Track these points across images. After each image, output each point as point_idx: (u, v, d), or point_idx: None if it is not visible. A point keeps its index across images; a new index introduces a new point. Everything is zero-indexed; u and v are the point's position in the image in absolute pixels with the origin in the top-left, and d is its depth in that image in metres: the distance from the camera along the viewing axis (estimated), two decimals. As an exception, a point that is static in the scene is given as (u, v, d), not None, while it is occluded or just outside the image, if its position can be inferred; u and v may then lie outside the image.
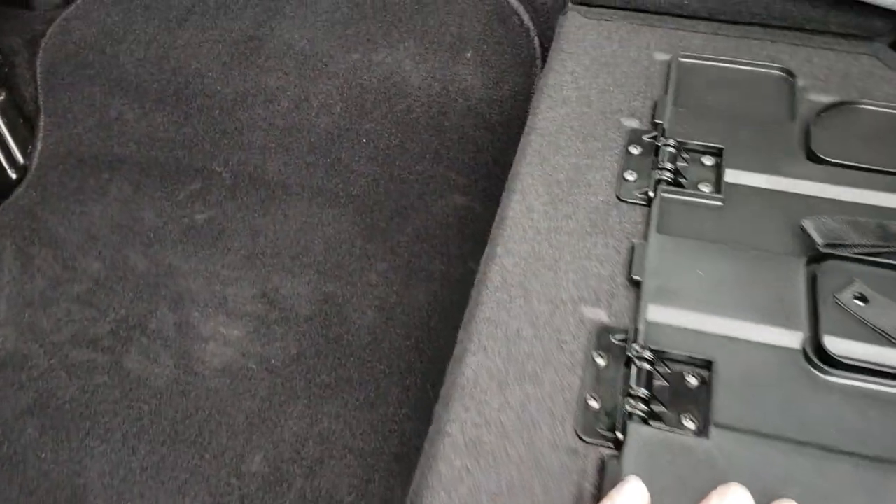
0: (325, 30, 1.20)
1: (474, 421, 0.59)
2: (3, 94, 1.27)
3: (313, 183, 1.18)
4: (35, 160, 1.27)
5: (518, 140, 1.14)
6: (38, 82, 1.27)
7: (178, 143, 1.23)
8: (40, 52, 1.27)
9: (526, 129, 0.83)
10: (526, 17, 1.13)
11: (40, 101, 1.28)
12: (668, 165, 0.76)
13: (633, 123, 0.82)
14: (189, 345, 1.02)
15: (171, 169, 1.22)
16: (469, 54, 1.15)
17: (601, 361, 0.62)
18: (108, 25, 1.27)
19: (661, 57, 0.90)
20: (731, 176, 0.75)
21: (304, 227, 1.15)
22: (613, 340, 0.63)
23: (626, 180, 0.76)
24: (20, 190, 1.25)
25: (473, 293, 0.69)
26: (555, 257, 0.69)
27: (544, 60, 1.13)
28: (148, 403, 0.96)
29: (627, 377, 0.60)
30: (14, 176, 1.27)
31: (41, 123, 1.28)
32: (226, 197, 1.19)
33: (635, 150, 0.79)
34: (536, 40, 1.12)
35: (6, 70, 1.27)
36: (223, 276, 1.09)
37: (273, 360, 1.00)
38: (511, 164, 1.13)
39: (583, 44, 0.92)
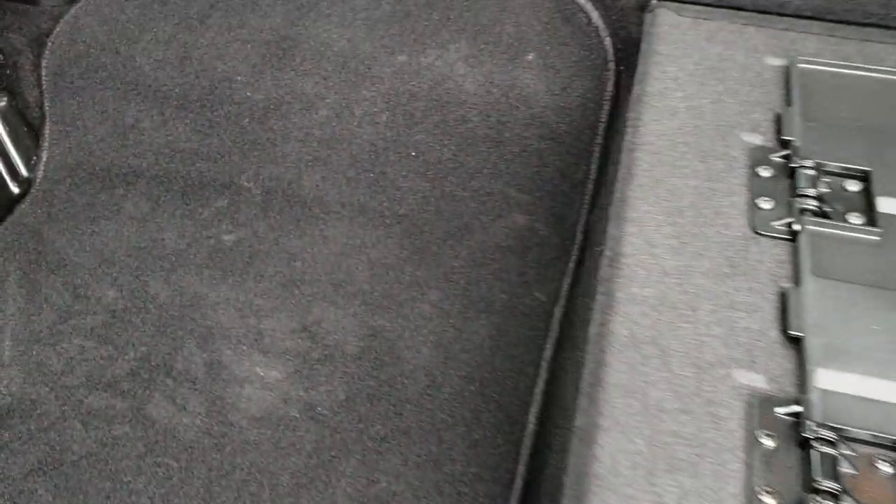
0: (365, 28, 1.08)
1: (621, 524, 0.47)
2: (5, 98, 1.14)
3: (355, 200, 1.06)
4: (40, 172, 1.14)
5: (589, 153, 1.02)
6: (44, 86, 1.14)
7: (202, 154, 1.10)
8: (46, 52, 1.14)
9: (627, 144, 0.71)
10: (595, 15, 1.01)
11: (46, 107, 1.15)
12: (810, 192, 0.64)
13: (755, 139, 0.70)
14: (222, 388, 0.89)
15: (195, 184, 1.09)
16: (530, 57, 1.03)
17: (769, 443, 0.50)
18: (121, 23, 1.14)
19: (775, 62, 0.78)
20: (885, 205, 0.63)
21: (346, 251, 1.02)
22: (780, 415, 0.51)
23: (761, 209, 0.64)
24: (24, 206, 1.12)
25: (592, 349, 0.56)
26: (691, 305, 0.57)
27: (618, 63, 1.01)
28: (177, 459, 0.83)
29: (806, 464, 0.48)
30: (17, 190, 1.14)
31: (47, 131, 1.15)
32: (256, 216, 1.06)
33: (765, 172, 0.67)
34: (608, 41, 1.00)
35: (8, 72, 1.14)
36: (257, 306, 0.97)
37: (319, 408, 0.87)
38: (585, 181, 1.01)
39: (681, 45, 0.80)
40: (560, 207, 1.01)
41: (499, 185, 1.03)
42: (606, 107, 0.99)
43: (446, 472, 0.82)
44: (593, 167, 0.99)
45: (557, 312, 0.95)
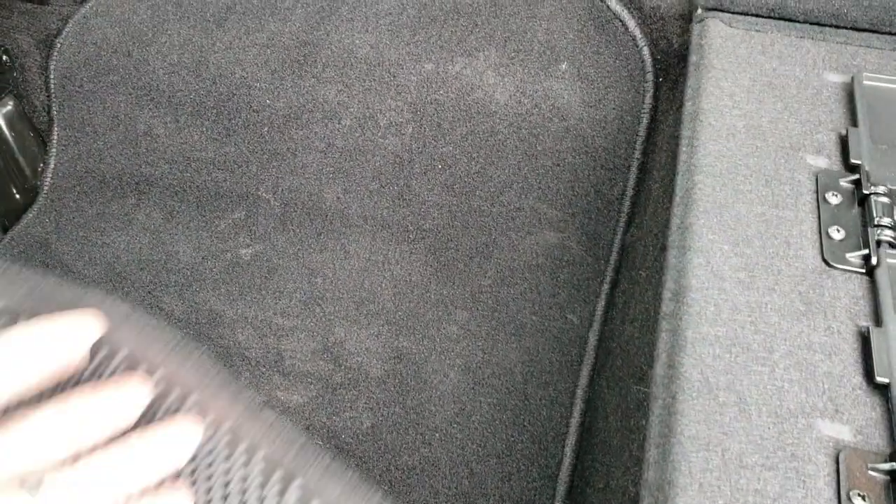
0: (390, 34, 1.03)
1: None
2: (11, 102, 1.09)
3: (378, 214, 1.01)
4: (47, 180, 1.09)
5: (626, 168, 0.97)
6: (52, 89, 1.09)
7: (218, 164, 1.05)
8: (55, 54, 1.09)
9: (683, 165, 0.67)
10: (631, 24, 0.97)
11: (54, 112, 1.10)
12: (887, 221, 0.59)
13: (820, 163, 0.66)
14: (240, 414, 0.84)
15: (210, 194, 1.04)
16: (563, 66, 0.98)
17: (863, 505, 0.45)
18: (134, 24, 1.09)
19: (835, 78, 0.74)
20: (966, 235, 0.59)
21: (368, 267, 0.98)
22: (875, 474, 0.46)
23: (832, 238, 0.60)
24: (30, 216, 1.07)
25: (660, 393, 0.52)
26: (766, 347, 0.53)
27: (656, 75, 0.96)
28: (193, 491, 0.78)
29: (907, 530, 0.43)
30: (22, 199, 1.09)
31: (55, 137, 1.10)
32: (275, 229, 1.01)
33: (833, 199, 0.63)
34: (646, 50, 0.95)
35: (15, 74, 1.09)
36: (277, 325, 0.92)
37: (343, 436, 0.83)
38: (622, 198, 0.96)
39: (734, 59, 0.76)
40: (594, 225, 0.96)
41: (529, 200, 0.98)
42: (645, 120, 0.94)
43: (479, 507, 0.77)
44: (630, 183, 0.95)
45: (592, 337, 0.90)
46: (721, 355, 0.52)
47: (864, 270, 0.57)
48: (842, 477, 0.46)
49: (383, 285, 0.96)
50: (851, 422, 0.49)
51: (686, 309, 0.55)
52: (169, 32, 1.08)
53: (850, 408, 0.50)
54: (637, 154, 0.94)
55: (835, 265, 0.58)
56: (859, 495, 0.46)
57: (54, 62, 1.09)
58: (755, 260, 0.58)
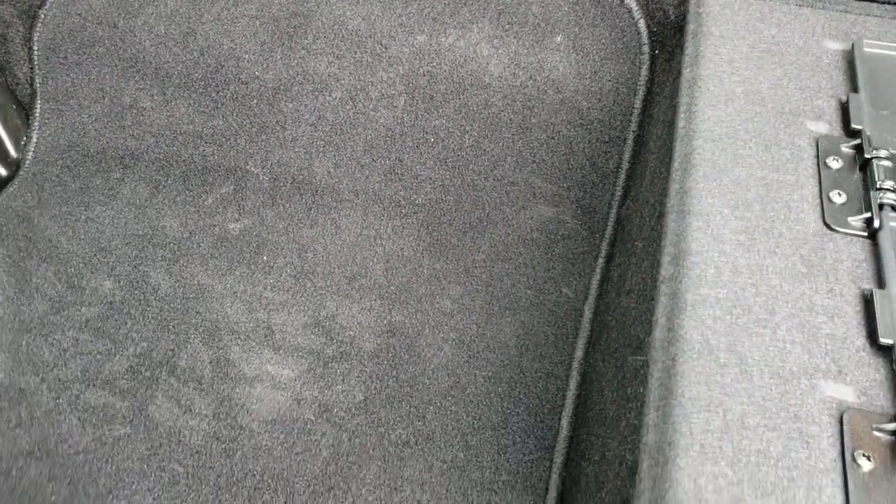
0: (381, 5, 1.01)
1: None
2: (-7, 74, 1.06)
3: (369, 189, 0.99)
4: (30, 154, 1.07)
5: (621, 141, 0.96)
6: (36, 61, 1.07)
7: (205, 137, 1.03)
8: (38, 24, 1.07)
9: (682, 131, 0.66)
10: (627, -4, 0.95)
11: (37, 84, 1.08)
12: (889, 185, 0.58)
13: (821, 128, 0.65)
14: (230, 388, 0.83)
15: (197, 168, 1.02)
16: (558, 38, 0.97)
17: (867, 465, 0.45)
18: (119, -5, 1.06)
19: (835, 45, 0.73)
20: (967, 199, 0.58)
21: (360, 242, 0.96)
22: (879, 435, 0.46)
23: (833, 202, 0.59)
24: (12, 189, 1.04)
25: (659, 356, 0.51)
26: (768, 309, 0.52)
27: (653, 47, 0.95)
28: (183, 465, 0.77)
29: (911, 489, 0.43)
30: (4, 172, 1.07)
31: (38, 110, 1.08)
32: (264, 203, 0.99)
33: (834, 164, 0.62)
34: (642, 22, 0.94)
35: (-3, 46, 1.06)
36: (267, 299, 0.90)
37: (335, 409, 0.81)
38: (617, 171, 0.95)
39: (733, 27, 0.75)
40: (589, 198, 0.95)
41: (524, 174, 0.97)
42: (641, 92, 0.93)
43: (474, 478, 0.76)
44: (626, 156, 0.94)
45: (587, 311, 0.89)
46: (721, 317, 0.51)
47: (866, 234, 0.57)
48: (846, 438, 0.46)
49: (375, 260, 0.94)
50: (855, 383, 0.48)
51: (686, 272, 0.54)
52: (156, 3, 1.05)
53: (853, 369, 0.49)
54: (633, 126, 0.93)
55: (836, 228, 0.57)
56: (864, 455, 0.45)
57: (38, 33, 1.07)
58: (755, 223, 0.57)
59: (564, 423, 0.80)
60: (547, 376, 0.84)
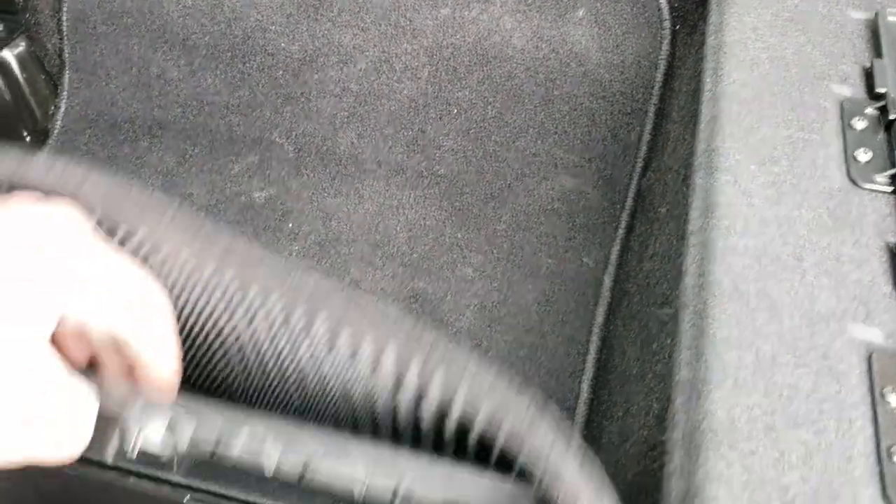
0: (406, -20, 1.02)
1: (741, 480, 0.43)
2: (23, 44, 1.08)
3: (392, 159, 1.01)
4: (58, 123, 1.09)
5: (643, 113, 0.98)
6: (65, 31, 1.09)
7: (232, 108, 1.05)
8: (67, -4, 1.08)
9: (708, 94, 0.67)
10: (648, -29, 0.97)
11: (66, 55, 1.09)
12: (913, 143, 0.60)
13: (845, 91, 0.66)
14: (257, 348, 0.84)
15: (224, 138, 1.04)
16: (581, 13, 0.98)
17: (895, 401, 0.46)
18: (147, -32, 1.08)
19: (858, 14, 0.74)
20: None
21: (383, 211, 0.98)
22: (906, 372, 0.47)
23: (858, 161, 0.60)
24: (40, 158, 1.06)
25: (690, 301, 0.52)
26: (796, 257, 0.53)
27: (673, 22, 0.96)
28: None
29: (937, 424, 0.44)
30: (33, 141, 1.09)
31: (66, 80, 1.10)
32: (289, 173, 1.01)
33: (859, 125, 0.63)
34: (664, -2, 0.96)
35: (27, 16, 1.08)
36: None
37: (361, 370, 0.83)
38: (638, 143, 0.97)
39: (757, -4, 0.76)
40: (610, 170, 0.97)
41: (545, 145, 0.98)
42: (662, 66, 0.94)
43: (497, 439, 0.78)
44: (647, 128, 0.95)
45: (607, 279, 0.91)
46: (751, 265, 0.53)
47: (891, 190, 0.58)
48: (875, 375, 0.47)
49: (398, 229, 0.96)
50: (882, 325, 0.50)
51: (715, 223, 0.56)
52: (183, -24, 1.07)
53: (881, 313, 0.50)
54: (654, 99, 0.94)
55: (862, 185, 0.58)
56: (893, 391, 0.46)
57: (67, 4, 1.08)
58: (782, 178, 0.58)
59: (585, 385, 0.81)
60: (568, 341, 0.85)
